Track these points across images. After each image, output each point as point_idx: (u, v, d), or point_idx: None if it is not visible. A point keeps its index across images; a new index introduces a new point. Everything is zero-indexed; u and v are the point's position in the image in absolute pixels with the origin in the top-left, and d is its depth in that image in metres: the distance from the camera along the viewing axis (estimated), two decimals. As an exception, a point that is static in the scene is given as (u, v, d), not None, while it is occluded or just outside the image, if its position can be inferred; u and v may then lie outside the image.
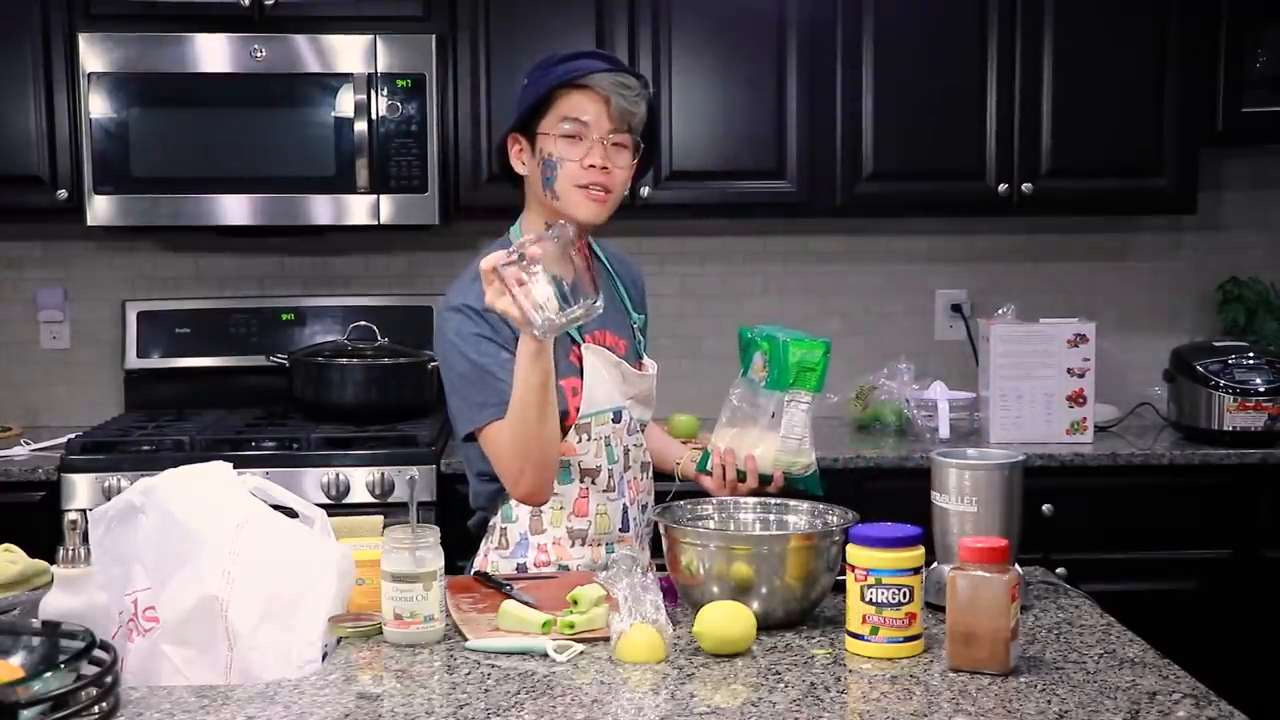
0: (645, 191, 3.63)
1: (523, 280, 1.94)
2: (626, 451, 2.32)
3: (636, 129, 2.25)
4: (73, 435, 3.44)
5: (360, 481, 3.31)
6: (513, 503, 2.28)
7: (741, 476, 2.25)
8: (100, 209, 3.52)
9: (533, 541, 2.28)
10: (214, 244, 3.92)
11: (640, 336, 2.42)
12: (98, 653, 1.59)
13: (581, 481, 2.27)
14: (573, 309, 1.95)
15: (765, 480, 2.25)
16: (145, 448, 3.35)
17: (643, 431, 2.38)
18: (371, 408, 3.56)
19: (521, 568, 2.28)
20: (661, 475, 2.47)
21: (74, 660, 1.54)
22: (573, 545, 2.28)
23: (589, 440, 2.26)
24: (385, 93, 3.52)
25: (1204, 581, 3.46)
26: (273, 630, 1.81)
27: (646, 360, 2.42)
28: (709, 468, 2.30)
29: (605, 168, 2.21)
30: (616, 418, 2.29)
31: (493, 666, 1.80)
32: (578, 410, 2.25)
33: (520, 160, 2.28)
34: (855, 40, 3.65)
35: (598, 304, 1.96)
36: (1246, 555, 3.48)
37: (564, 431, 2.23)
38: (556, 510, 2.27)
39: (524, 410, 2.08)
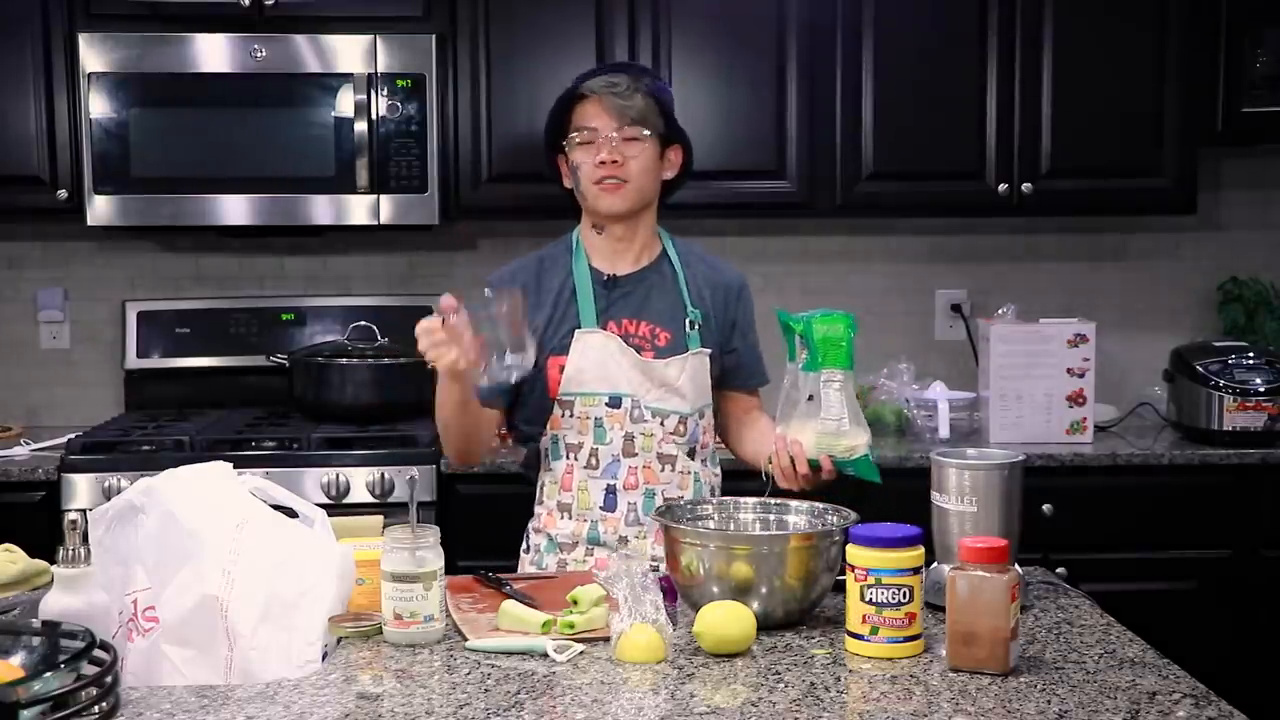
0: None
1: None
2: (630, 439, 2.38)
3: (643, 120, 2.41)
4: (73, 435, 3.44)
5: (360, 481, 3.31)
6: (543, 468, 2.48)
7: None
8: (100, 209, 3.52)
9: (538, 510, 2.49)
10: (214, 244, 3.92)
11: (693, 330, 2.45)
12: (98, 653, 1.59)
13: (567, 458, 2.41)
14: (506, 364, 2.14)
15: (815, 466, 2.20)
16: (145, 448, 3.35)
17: (670, 424, 2.39)
18: (371, 408, 3.56)
19: (528, 532, 2.51)
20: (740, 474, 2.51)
21: (74, 660, 1.54)
22: (561, 518, 2.43)
23: (571, 417, 2.40)
24: (385, 93, 3.52)
25: (1204, 581, 3.46)
26: (273, 630, 1.81)
27: (692, 353, 2.42)
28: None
29: (616, 160, 2.39)
30: (614, 403, 2.38)
31: (493, 666, 1.80)
32: (559, 386, 2.40)
33: (567, 178, 2.49)
34: (855, 40, 3.65)
35: (525, 359, 2.14)
36: (1246, 555, 3.48)
37: (543, 410, 2.42)
38: (551, 484, 2.45)
39: (440, 411, 2.36)
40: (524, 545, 2.52)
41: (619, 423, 2.39)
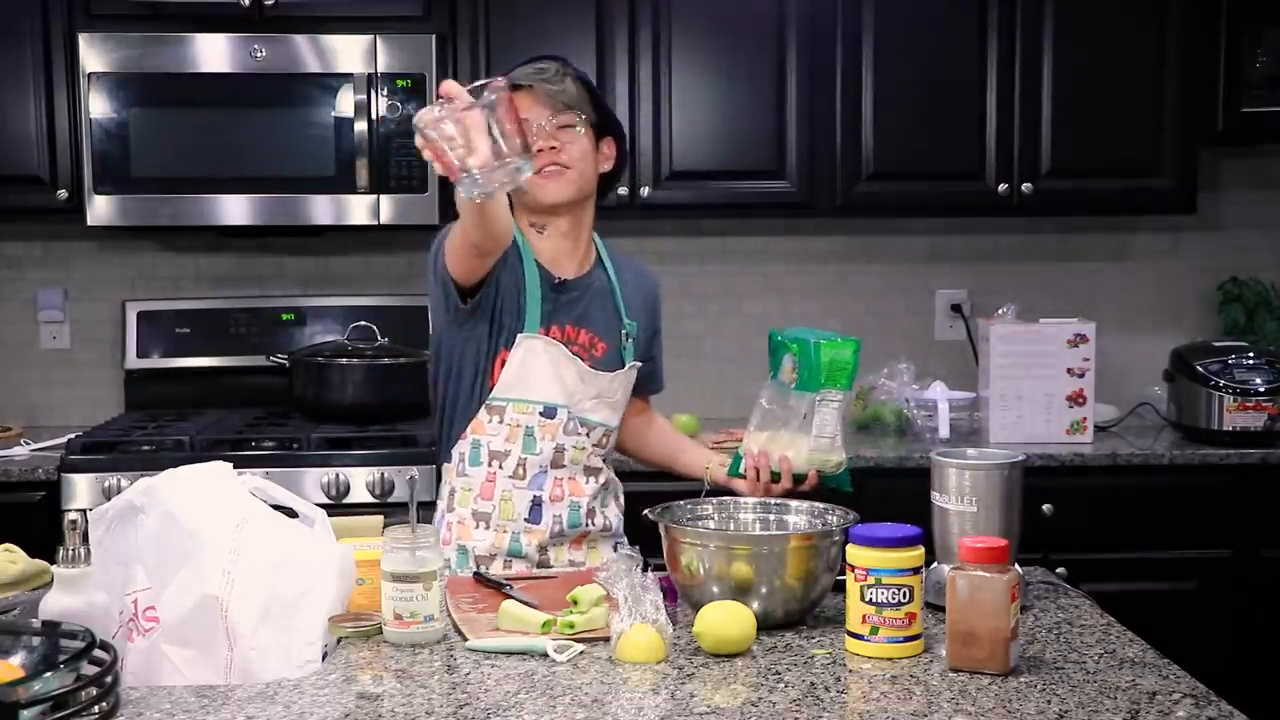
0: (645, 191, 3.63)
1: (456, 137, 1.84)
2: (560, 450, 2.32)
3: (575, 105, 2.34)
4: (73, 435, 3.44)
5: (360, 481, 3.31)
6: (444, 479, 2.38)
7: (775, 478, 2.25)
8: (100, 209, 3.52)
9: (445, 519, 2.36)
10: (214, 244, 3.92)
11: (629, 343, 2.42)
12: (98, 653, 1.59)
13: (489, 465, 2.32)
14: (497, 169, 1.85)
15: (799, 480, 2.26)
16: (145, 448, 3.35)
17: (595, 435, 2.35)
18: (371, 408, 3.56)
19: None
20: (676, 478, 2.51)
21: (74, 660, 1.54)
22: (476, 527, 2.33)
23: (500, 423, 2.31)
24: (385, 93, 3.52)
25: (1204, 581, 3.46)
26: (273, 630, 1.81)
27: (629, 367, 2.41)
28: (742, 471, 2.30)
29: (554, 147, 2.31)
30: (549, 413, 2.31)
31: (493, 666, 1.80)
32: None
33: None
34: (855, 40, 3.65)
35: (523, 167, 1.87)
36: (1246, 555, 3.48)
37: (479, 406, 2.31)
38: (465, 491, 2.34)
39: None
40: None
41: (551, 434, 2.31)
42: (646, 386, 2.54)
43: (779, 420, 2.27)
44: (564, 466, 2.33)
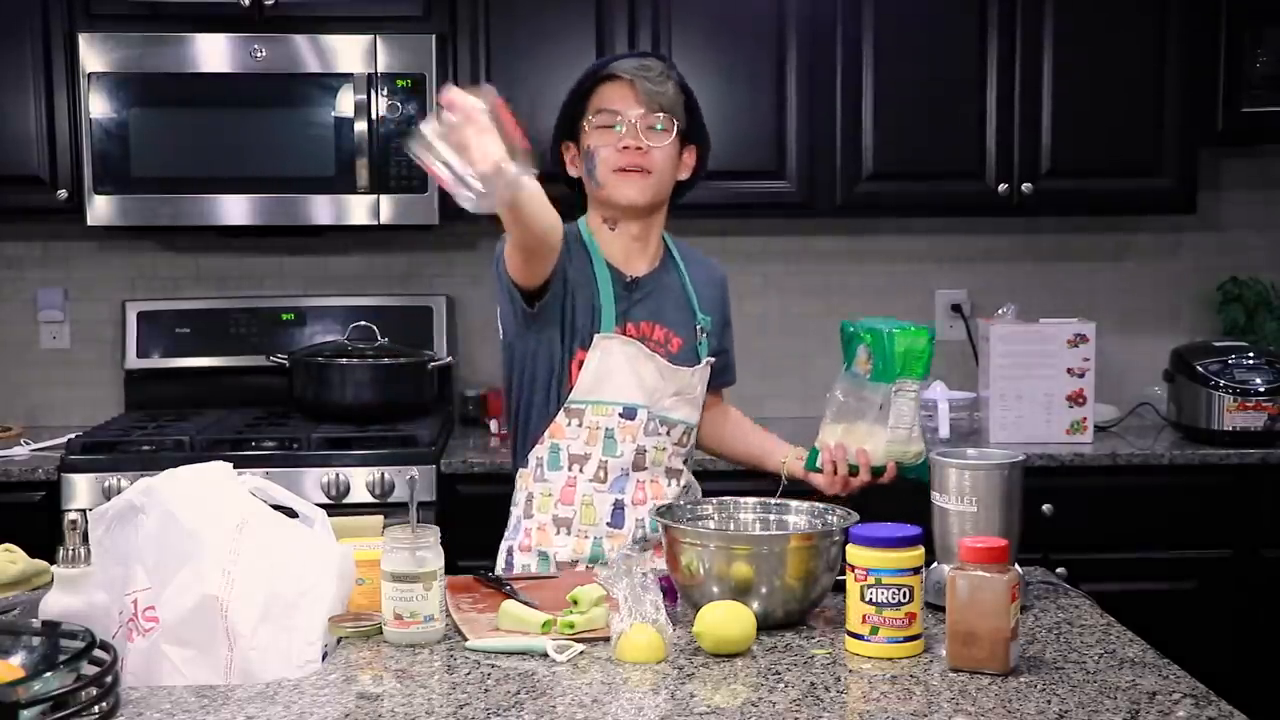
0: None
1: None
2: (642, 451, 2.30)
3: (670, 109, 2.30)
4: (73, 435, 3.44)
5: (360, 481, 3.31)
6: (519, 485, 2.35)
7: (854, 471, 2.24)
8: (100, 209, 3.52)
9: (523, 525, 2.34)
10: (214, 244, 3.92)
11: (704, 337, 2.41)
12: (98, 653, 1.59)
13: (570, 469, 2.29)
14: (495, 177, 1.82)
15: (877, 473, 2.25)
16: (145, 448, 3.35)
17: (675, 434, 2.34)
18: (371, 408, 3.56)
19: (510, 550, 2.34)
20: (754, 477, 2.51)
21: (74, 660, 1.54)
22: (557, 533, 2.30)
23: (579, 426, 2.28)
24: (385, 93, 3.52)
25: (1204, 581, 3.46)
26: (273, 630, 1.81)
27: (705, 362, 2.40)
28: (819, 465, 2.28)
29: (640, 148, 2.26)
30: (629, 414, 2.29)
31: (493, 666, 1.80)
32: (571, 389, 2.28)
33: (573, 165, 2.35)
34: (855, 40, 3.65)
35: (522, 173, 1.83)
36: (1246, 555, 3.48)
37: (558, 409, 2.29)
38: (545, 497, 2.31)
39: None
40: (503, 566, 2.35)
41: (632, 435, 2.28)
42: (720, 379, 2.51)
43: (855, 412, 2.25)
44: (646, 469, 2.31)
